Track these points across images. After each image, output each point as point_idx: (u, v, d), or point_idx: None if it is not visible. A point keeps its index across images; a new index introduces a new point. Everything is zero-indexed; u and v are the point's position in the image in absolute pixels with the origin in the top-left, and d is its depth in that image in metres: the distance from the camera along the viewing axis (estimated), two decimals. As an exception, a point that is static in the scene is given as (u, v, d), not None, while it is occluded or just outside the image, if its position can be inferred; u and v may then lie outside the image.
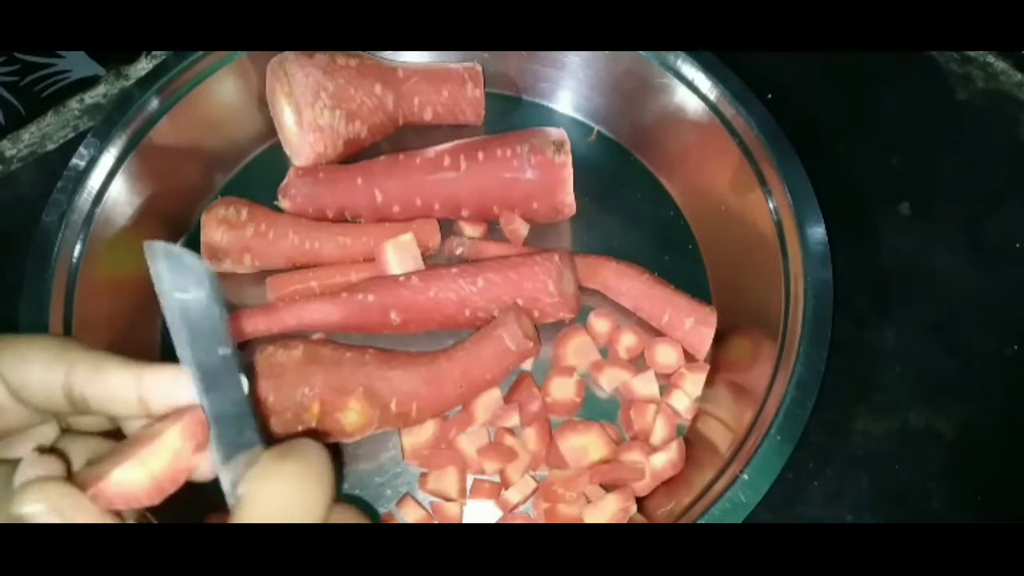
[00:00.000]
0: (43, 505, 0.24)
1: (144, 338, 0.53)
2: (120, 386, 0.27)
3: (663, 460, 0.49)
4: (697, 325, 0.52)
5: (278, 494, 0.25)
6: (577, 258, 0.55)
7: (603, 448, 0.50)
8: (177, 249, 0.25)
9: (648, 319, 0.54)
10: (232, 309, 0.54)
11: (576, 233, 0.59)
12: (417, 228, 0.55)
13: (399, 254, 0.53)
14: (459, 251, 0.56)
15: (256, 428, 0.27)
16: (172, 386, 0.27)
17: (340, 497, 0.27)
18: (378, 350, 0.50)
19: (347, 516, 0.27)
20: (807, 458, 0.53)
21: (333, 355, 0.48)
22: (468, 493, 0.50)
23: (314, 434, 0.48)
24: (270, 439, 0.27)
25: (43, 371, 0.27)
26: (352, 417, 0.47)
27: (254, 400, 0.28)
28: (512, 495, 0.48)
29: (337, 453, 0.51)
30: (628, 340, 0.54)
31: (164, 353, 0.52)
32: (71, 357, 0.27)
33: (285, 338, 0.50)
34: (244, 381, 0.27)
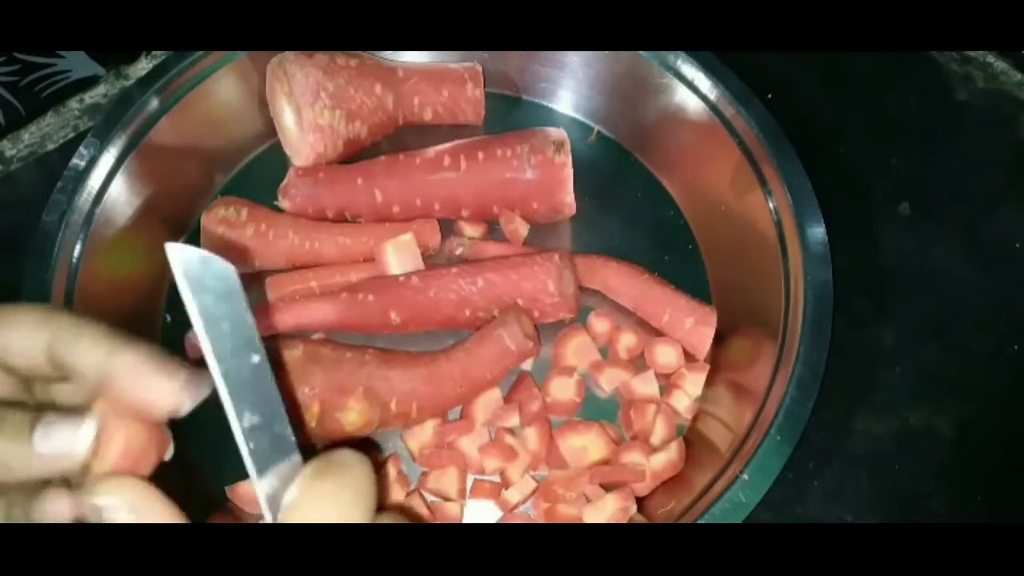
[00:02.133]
0: (121, 501, 0.24)
1: (145, 339, 0.53)
2: (89, 354, 0.27)
3: (663, 460, 0.49)
4: (697, 325, 0.52)
5: (318, 519, 0.25)
6: (577, 258, 0.55)
7: (603, 448, 0.50)
8: (202, 252, 0.25)
9: (648, 319, 0.54)
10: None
11: (576, 233, 0.59)
12: (417, 228, 0.55)
13: (399, 254, 0.53)
14: (459, 251, 0.56)
15: (291, 436, 0.26)
16: (140, 380, 0.27)
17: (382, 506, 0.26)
18: (378, 350, 0.50)
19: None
20: (807, 458, 0.53)
21: (333, 355, 0.48)
22: (468, 493, 0.50)
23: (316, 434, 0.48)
24: (307, 442, 0.26)
25: (28, 335, 0.28)
26: (352, 417, 0.47)
27: (288, 401, 0.27)
28: (512, 495, 0.48)
29: (378, 463, 0.50)
30: (628, 340, 0.54)
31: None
32: (56, 323, 0.28)
33: (285, 338, 0.50)
34: (276, 388, 0.26)
